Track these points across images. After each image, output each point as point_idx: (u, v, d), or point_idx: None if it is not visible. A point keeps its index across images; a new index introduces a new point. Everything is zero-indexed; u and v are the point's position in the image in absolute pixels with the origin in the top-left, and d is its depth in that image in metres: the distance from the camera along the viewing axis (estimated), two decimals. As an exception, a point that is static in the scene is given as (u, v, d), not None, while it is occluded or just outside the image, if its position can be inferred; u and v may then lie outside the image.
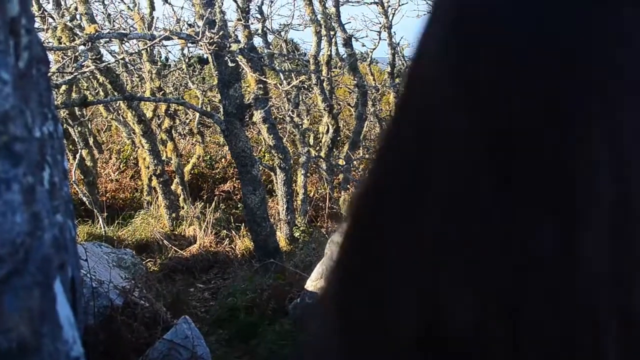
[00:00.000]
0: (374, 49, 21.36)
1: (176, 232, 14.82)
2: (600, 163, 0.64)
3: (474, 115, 0.66)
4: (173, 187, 16.47)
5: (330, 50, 16.79)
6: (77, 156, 16.46)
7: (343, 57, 18.92)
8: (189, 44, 12.86)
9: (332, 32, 17.39)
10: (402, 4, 21.24)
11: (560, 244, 0.65)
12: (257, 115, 11.78)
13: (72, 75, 10.87)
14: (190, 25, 11.74)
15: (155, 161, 14.96)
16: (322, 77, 15.73)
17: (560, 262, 0.64)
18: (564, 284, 0.63)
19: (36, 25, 10.16)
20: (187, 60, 20.90)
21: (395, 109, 0.80)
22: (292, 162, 13.87)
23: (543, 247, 0.65)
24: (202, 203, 16.25)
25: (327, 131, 16.39)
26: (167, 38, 9.76)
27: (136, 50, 15.29)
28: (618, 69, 0.67)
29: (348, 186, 15.87)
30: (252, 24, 13.36)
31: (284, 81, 16.10)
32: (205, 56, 16.82)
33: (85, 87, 19.53)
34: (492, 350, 0.63)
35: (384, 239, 0.74)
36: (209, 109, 17.78)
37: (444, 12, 0.74)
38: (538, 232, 0.65)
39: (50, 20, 12.77)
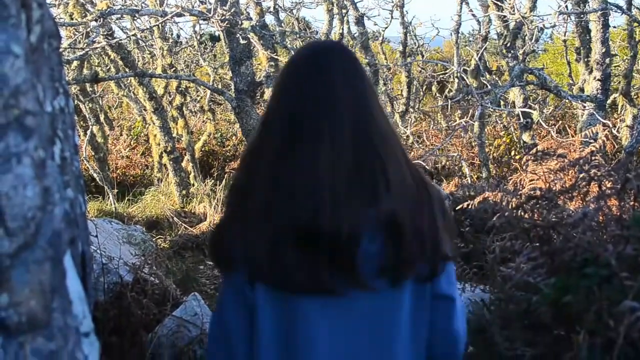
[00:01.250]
0: (385, 27, 21.33)
1: (186, 209, 14.86)
2: None
3: None
4: (184, 164, 16.50)
5: (342, 29, 16.80)
6: (88, 132, 16.51)
7: (355, 35, 18.92)
8: (201, 21, 12.84)
9: (344, 11, 17.37)
10: (415, -17, 21.23)
11: None
12: (269, 93, 11.77)
13: (83, 51, 10.87)
14: (202, 2, 11.74)
15: (166, 138, 14.98)
16: (333, 56, 15.74)
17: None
18: None
19: (48, 0, 10.16)
20: (198, 37, 20.88)
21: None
22: (303, 140, 13.88)
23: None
24: (213, 180, 16.27)
25: (338, 110, 16.40)
26: (179, 15, 9.76)
27: (148, 27, 15.28)
28: None
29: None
30: (264, 1, 13.34)
31: (296, 59, 16.08)
32: (216, 33, 16.78)
33: (96, 64, 19.56)
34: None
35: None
36: (220, 87, 17.79)
37: None
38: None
39: (62, -5, 12.75)
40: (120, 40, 13.22)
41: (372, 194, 2.02)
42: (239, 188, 2.24)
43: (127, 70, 13.25)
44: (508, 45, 13.23)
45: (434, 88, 26.40)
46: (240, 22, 10.13)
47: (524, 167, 6.87)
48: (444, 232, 2.15)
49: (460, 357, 2.35)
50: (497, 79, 20.34)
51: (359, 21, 16.55)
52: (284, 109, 2.15)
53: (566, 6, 11.77)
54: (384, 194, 2.01)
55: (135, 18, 14.27)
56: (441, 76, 23.79)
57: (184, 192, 15.32)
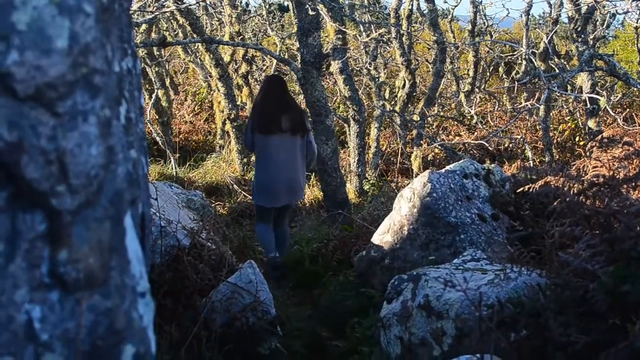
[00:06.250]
0: (455, 6, 21.17)
1: (246, 177, 14.93)
2: None
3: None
4: (246, 132, 16.56)
5: (412, 5, 16.67)
6: (153, 96, 16.62)
7: (424, 12, 18.78)
8: (271, -10, 12.78)
9: (414, -14, 17.24)
10: (488, -38, 21.00)
11: None
12: (335, 66, 11.75)
13: (152, 15, 10.94)
14: (272, -29, 11.71)
15: (230, 105, 15.06)
16: (401, 32, 15.62)
17: None
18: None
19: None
20: (267, 6, 20.90)
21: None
22: (366, 114, 13.82)
23: None
24: (274, 150, 16.31)
25: (404, 86, 16.31)
26: (249, -17, 9.76)
27: (218, -6, 15.31)
28: None
29: (421, 142, 15.77)
30: (334, -27, 13.27)
31: (363, 33, 16.04)
32: (285, 3, 16.78)
33: (164, 28, 19.69)
34: None
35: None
36: (286, 57, 17.78)
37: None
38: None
39: (135, -42, 12.81)
40: (190, 5, 13.27)
41: (284, 109, 8.60)
42: (257, 105, 8.95)
43: (195, 35, 13.31)
44: (579, 29, 13.06)
45: (500, 69, 26.13)
46: (310, -7, 10.10)
47: (588, 154, 6.80)
48: (307, 121, 8.81)
49: (312, 163, 9.48)
50: (565, 63, 20.12)
51: (430, -2, 16.41)
52: (265, 92, 8.95)
53: (641, -8, 11.56)
54: (288, 109, 8.61)
55: (206, -16, 14.32)
56: (509, 57, 23.56)
57: (245, 160, 15.40)
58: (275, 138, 8.49)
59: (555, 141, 17.23)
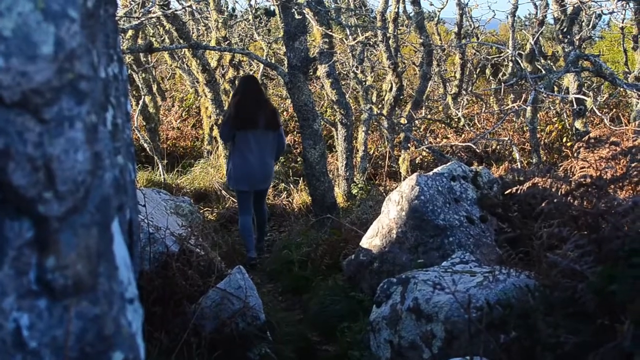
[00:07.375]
0: (441, 8, 21.15)
1: (234, 183, 14.92)
2: None
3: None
4: (234, 137, 16.56)
5: (398, 8, 16.65)
6: (140, 102, 16.60)
7: (410, 15, 18.79)
8: (257, -5, 12.77)
9: (401, -11, 17.22)
10: (473, -35, 21.02)
11: None
12: (321, 70, 11.76)
13: (139, 21, 10.94)
14: (258, -24, 11.72)
15: (217, 111, 15.03)
16: (388, 35, 15.60)
17: None
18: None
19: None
20: (254, 11, 20.90)
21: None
22: (353, 118, 13.83)
23: None
24: (262, 155, 16.30)
25: (391, 89, 16.28)
26: (235, -12, 9.81)
27: (204, -1, 15.31)
28: None
29: (409, 145, 15.77)
30: (320, -23, 13.25)
31: (350, 36, 16.02)
32: (272, 8, 16.77)
33: (151, 34, 19.68)
34: None
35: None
36: (273, 61, 17.77)
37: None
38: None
39: (120, -35, 12.79)
40: (176, 11, 13.28)
41: (261, 108, 10.04)
42: (237, 104, 10.12)
43: (181, 41, 13.31)
44: (564, 30, 13.09)
45: (487, 71, 26.15)
46: (296, -3, 10.12)
47: (576, 154, 6.80)
48: (279, 118, 10.37)
49: (281, 153, 11.17)
50: (552, 64, 20.16)
51: (415, 1, 16.36)
52: (243, 92, 10.27)
53: (626, -7, 11.58)
54: (263, 108, 10.08)
55: (192, -10, 14.31)
56: (495, 59, 23.59)
57: (233, 165, 15.40)
58: (252, 133, 10.07)
59: (542, 142, 17.24)
